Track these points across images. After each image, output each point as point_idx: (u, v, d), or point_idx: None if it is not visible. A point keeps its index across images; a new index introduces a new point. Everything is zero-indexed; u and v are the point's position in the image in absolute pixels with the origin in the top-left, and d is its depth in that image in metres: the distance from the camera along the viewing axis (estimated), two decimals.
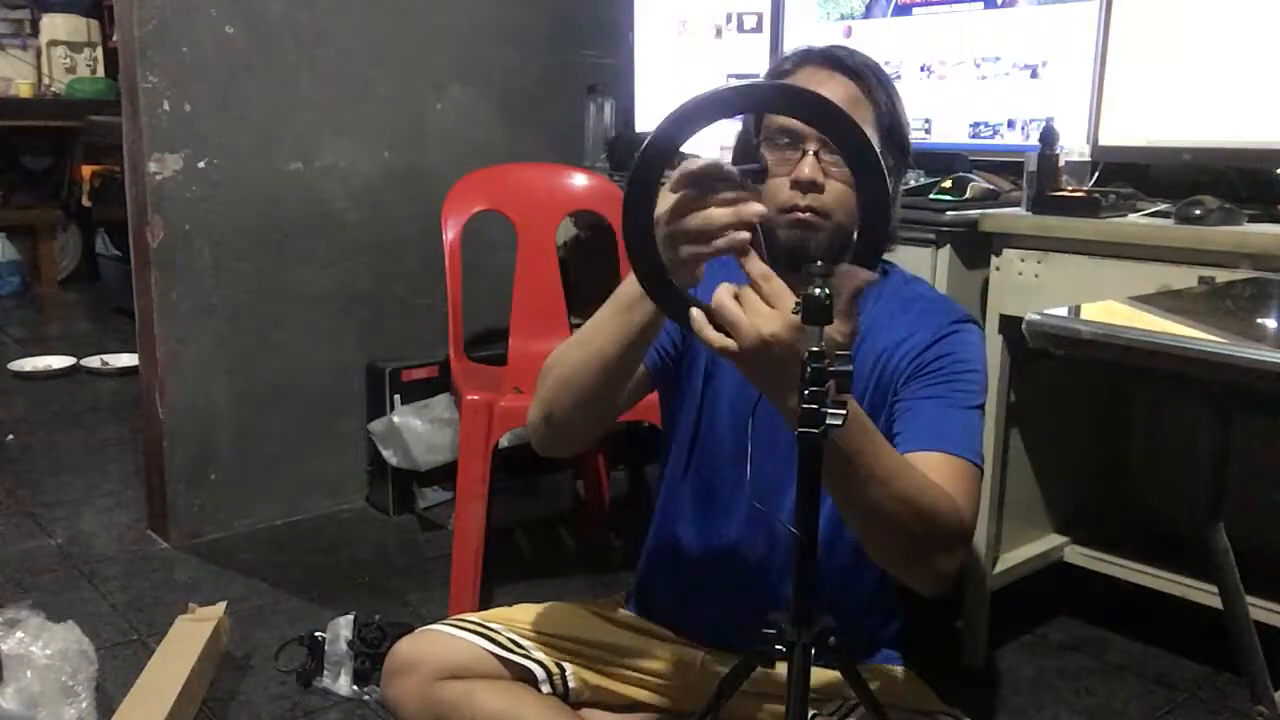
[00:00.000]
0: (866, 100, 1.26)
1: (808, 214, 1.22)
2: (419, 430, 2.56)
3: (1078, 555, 2.08)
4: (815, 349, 0.94)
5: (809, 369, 0.93)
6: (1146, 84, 1.85)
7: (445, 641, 1.37)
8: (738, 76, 2.52)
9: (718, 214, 1.01)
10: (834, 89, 1.22)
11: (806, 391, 0.93)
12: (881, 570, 1.38)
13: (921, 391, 1.25)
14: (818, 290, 0.93)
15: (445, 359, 2.41)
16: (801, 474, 0.97)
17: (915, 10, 2.19)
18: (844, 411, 0.94)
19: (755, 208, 1.02)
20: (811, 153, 1.22)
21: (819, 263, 0.94)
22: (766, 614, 1.06)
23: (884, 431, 1.25)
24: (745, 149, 1.31)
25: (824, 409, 0.93)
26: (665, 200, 1.03)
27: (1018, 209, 1.88)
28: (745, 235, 1.01)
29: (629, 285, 1.13)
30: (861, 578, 1.38)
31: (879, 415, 1.28)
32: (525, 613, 1.45)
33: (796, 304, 0.95)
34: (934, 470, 1.15)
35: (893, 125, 1.28)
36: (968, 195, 1.94)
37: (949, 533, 1.13)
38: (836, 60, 1.27)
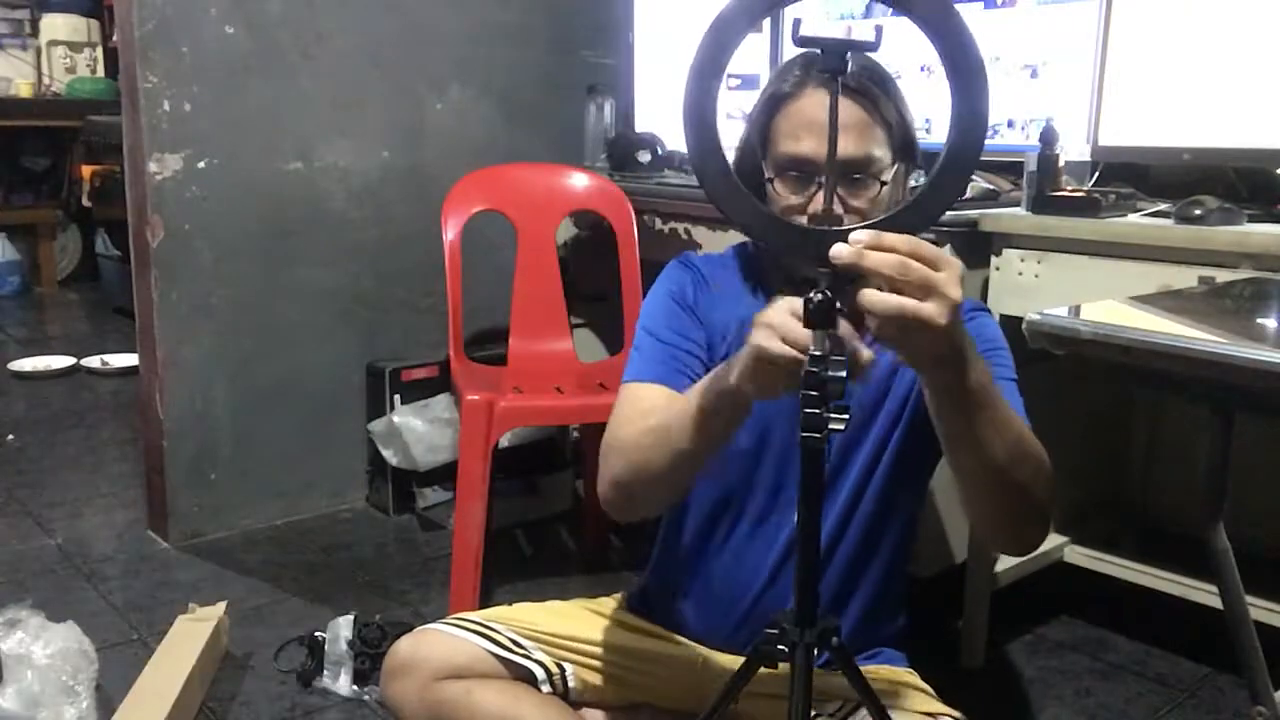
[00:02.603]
0: (877, 120, 1.22)
1: None
2: (419, 430, 2.56)
3: (1078, 555, 2.08)
4: (817, 354, 0.94)
5: (809, 373, 0.93)
6: (1146, 84, 1.85)
7: (445, 641, 1.37)
8: (737, 77, 2.51)
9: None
10: (842, 114, 1.17)
11: (806, 395, 0.93)
12: (884, 570, 1.38)
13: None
14: (820, 296, 0.93)
15: (445, 359, 2.41)
16: (805, 476, 0.98)
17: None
18: (847, 416, 0.94)
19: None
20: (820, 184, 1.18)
21: (821, 267, 0.94)
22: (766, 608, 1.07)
23: (917, 420, 1.27)
24: (749, 159, 1.27)
25: (827, 414, 0.93)
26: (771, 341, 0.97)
27: (1018, 209, 1.88)
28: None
29: (716, 388, 1.08)
30: (864, 578, 1.38)
31: (900, 416, 1.30)
32: (525, 612, 1.45)
33: None
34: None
35: (905, 137, 1.25)
36: (968, 195, 1.94)
37: (1049, 475, 1.17)
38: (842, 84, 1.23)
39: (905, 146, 1.25)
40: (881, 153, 1.22)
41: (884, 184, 1.22)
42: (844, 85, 1.16)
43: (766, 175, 1.24)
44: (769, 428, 1.32)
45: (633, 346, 1.36)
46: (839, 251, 0.91)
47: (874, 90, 1.22)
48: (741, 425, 1.13)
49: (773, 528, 1.34)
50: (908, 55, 2.21)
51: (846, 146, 1.16)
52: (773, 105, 1.25)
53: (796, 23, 0.95)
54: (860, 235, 0.92)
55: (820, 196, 1.17)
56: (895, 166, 1.23)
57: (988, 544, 1.86)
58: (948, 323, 0.92)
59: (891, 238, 0.92)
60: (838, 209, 1.17)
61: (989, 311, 1.38)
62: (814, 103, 1.21)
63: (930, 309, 0.91)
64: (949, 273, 0.93)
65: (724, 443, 1.15)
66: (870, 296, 0.92)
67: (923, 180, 2.03)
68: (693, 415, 1.12)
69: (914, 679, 1.38)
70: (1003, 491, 1.13)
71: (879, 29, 0.96)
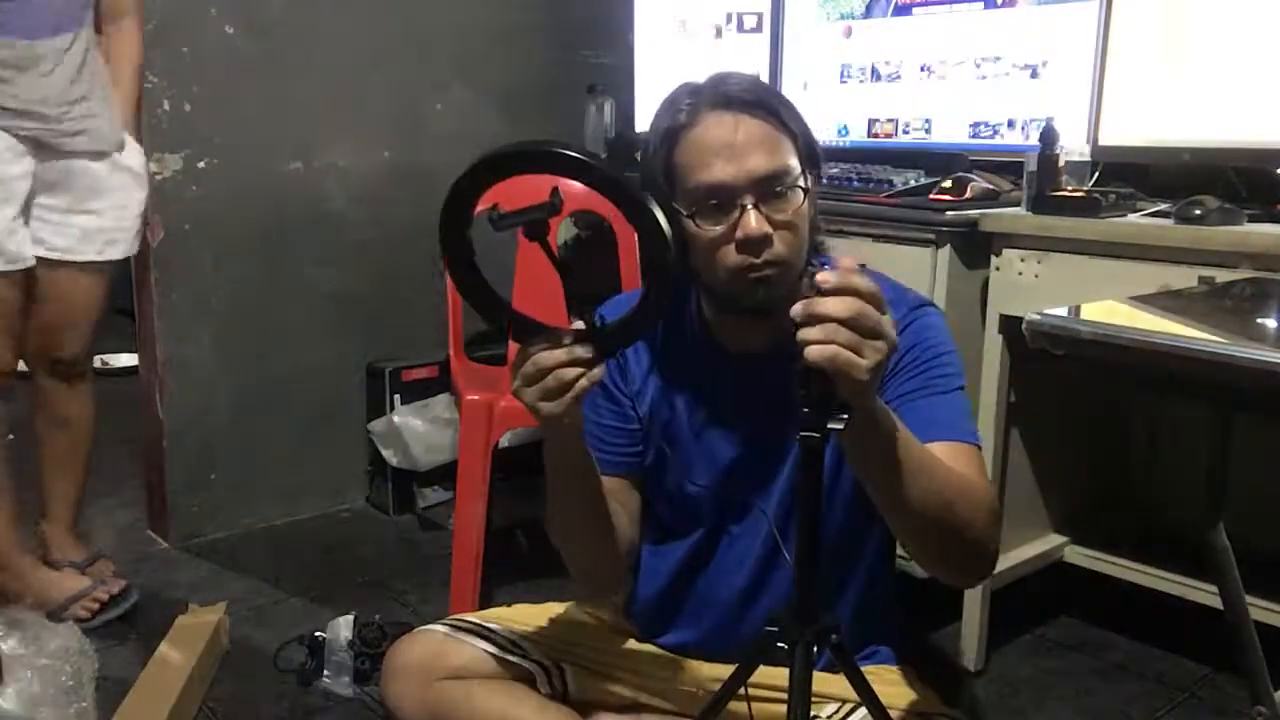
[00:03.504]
0: (783, 132, 1.19)
1: (765, 269, 1.17)
2: (419, 430, 2.56)
3: (1078, 555, 2.08)
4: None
5: (805, 373, 0.94)
6: (1146, 84, 1.85)
7: (444, 642, 1.37)
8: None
9: (566, 368, 1.04)
10: (746, 130, 1.17)
11: (805, 395, 0.94)
12: (881, 571, 1.38)
13: (902, 388, 1.21)
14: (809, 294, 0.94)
15: (445, 359, 2.41)
16: (803, 476, 0.98)
17: (915, 10, 2.19)
18: (846, 416, 0.95)
19: (581, 353, 1.04)
20: (750, 206, 1.15)
21: (809, 266, 0.95)
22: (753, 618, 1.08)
23: None
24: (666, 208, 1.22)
25: (826, 414, 0.94)
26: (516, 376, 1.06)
27: (1018, 209, 1.88)
28: (599, 371, 1.04)
29: (548, 449, 1.18)
30: (850, 578, 1.37)
31: None
32: (524, 613, 1.45)
33: None
34: (960, 457, 1.15)
35: (810, 147, 1.23)
36: (968, 195, 1.94)
37: (988, 509, 1.14)
38: (738, 101, 1.18)
39: (812, 158, 1.23)
40: (794, 161, 1.19)
41: (806, 190, 1.20)
42: (742, 103, 1.18)
43: (684, 213, 1.18)
44: (712, 440, 1.32)
45: None
46: (824, 278, 0.94)
47: (771, 103, 1.20)
48: (573, 450, 1.18)
49: (745, 541, 1.34)
50: (908, 55, 2.21)
51: (760, 162, 1.15)
52: (670, 140, 1.21)
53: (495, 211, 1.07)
54: (829, 279, 0.94)
55: (750, 215, 1.15)
56: (804, 175, 1.20)
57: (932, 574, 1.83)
58: (869, 379, 0.94)
59: (856, 281, 0.94)
60: (766, 228, 1.16)
61: (936, 307, 1.32)
62: (715, 126, 1.18)
63: (862, 364, 0.93)
64: (889, 319, 0.96)
65: (577, 474, 1.21)
66: (806, 337, 0.93)
67: (922, 180, 2.04)
68: (549, 468, 1.20)
69: (911, 678, 1.37)
70: (935, 534, 1.11)
71: (555, 190, 1.09)
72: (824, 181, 1.25)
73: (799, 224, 1.19)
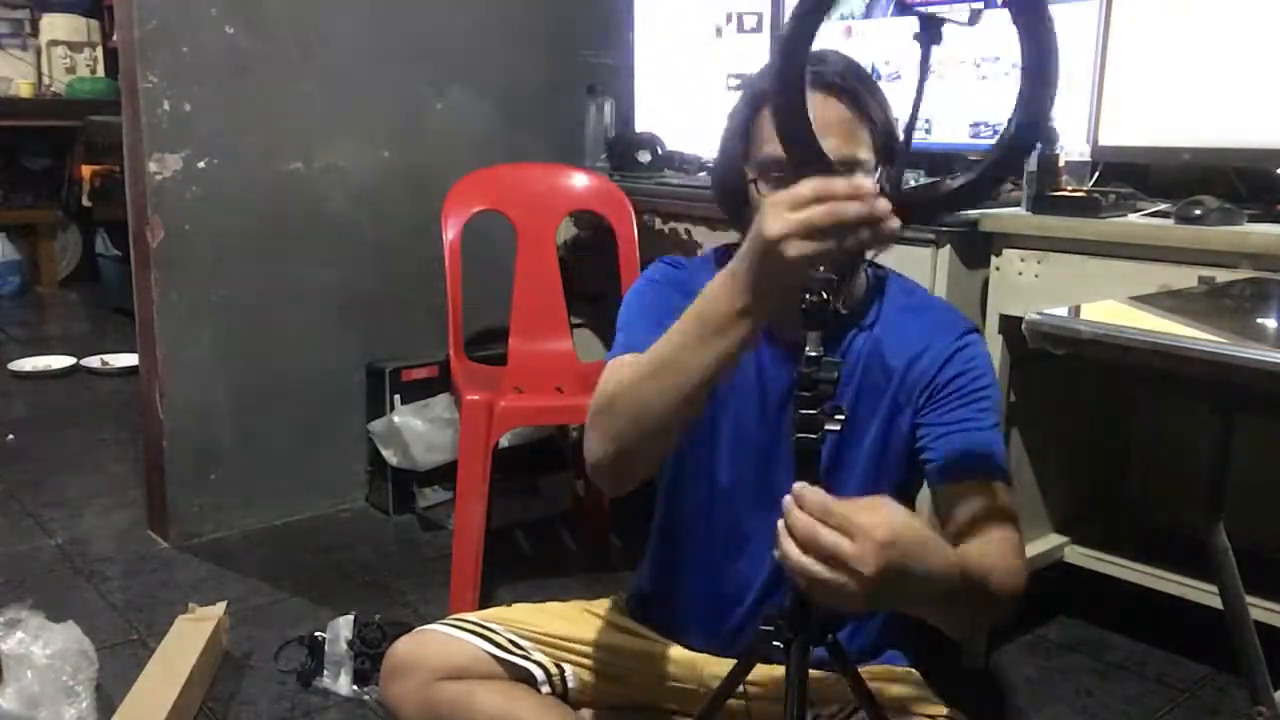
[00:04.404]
0: (863, 120, 1.19)
1: None
2: (419, 430, 2.56)
3: (1078, 555, 2.08)
4: (813, 354, 0.94)
5: (805, 374, 0.93)
6: (1146, 84, 1.85)
7: (444, 642, 1.36)
8: (736, 77, 2.51)
9: (852, 207, 0.91)
10: (829, 114, 1.16)
11: (802, 396, 0.94)
12: None
13: (949, 415, 1.23)
14: (815, 297, 0.93)
15: (445, 359, 2.41)
16: (799, 477, 0.97)
17: (916, 10, 2.18)
18: (843, 418, 0.95)
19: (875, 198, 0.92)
20: None
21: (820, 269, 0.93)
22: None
23: (901, 439, 1.27)
24: (729, 177, 1.25)
25: (822, 415, 0.94)
26: (792, 217, 0.91)
27: (1018, 209, 1.88)
28: (894, 225, 0.92)
29: (717, 303, 1.00)
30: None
31: (898, 418, 1.27)
32: (524, 613, 1.44)
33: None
34: (979, 501, 1.16)
35: (889, 136, 1.23)
36: None
37: (1009, 598, 1.14)
38: (822, 78, 1.17)
39: (887, 148, 1.22)
40: (866, 154, 1.19)
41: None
42: (830, 85, 1.17)
43: (749, 176, 1.22)
44: (745, 432, 1.31)
45: (617, 331, 1.33)
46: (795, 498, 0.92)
47: (860, 90, 1.20)
48: (748, 346, 1.02)
49: (763, 532, 1.34)
50: (907, 55, 2.21)
51: (834, 146, 1.13)
52: (755, 105, 1.22)
53: None
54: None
55: None
56: (879, 170, 1.20)
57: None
58: (859, 591, 0.89)
59: (811, 497, 0.91)
60: None
61: (980, 334, 1.31)
62: None
63: (837, 580, 0.89)
64: (860, 547, 0.89)
65: (740, 354, 1.03)
66: (785, 548, 0.91)
67: (922, 180, 2.04)
68: (694, 328, 1.03)
69: (915, 678, 1.37)
70: (958, 621, 1.16)
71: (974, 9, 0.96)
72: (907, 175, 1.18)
73: None
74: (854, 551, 0.89)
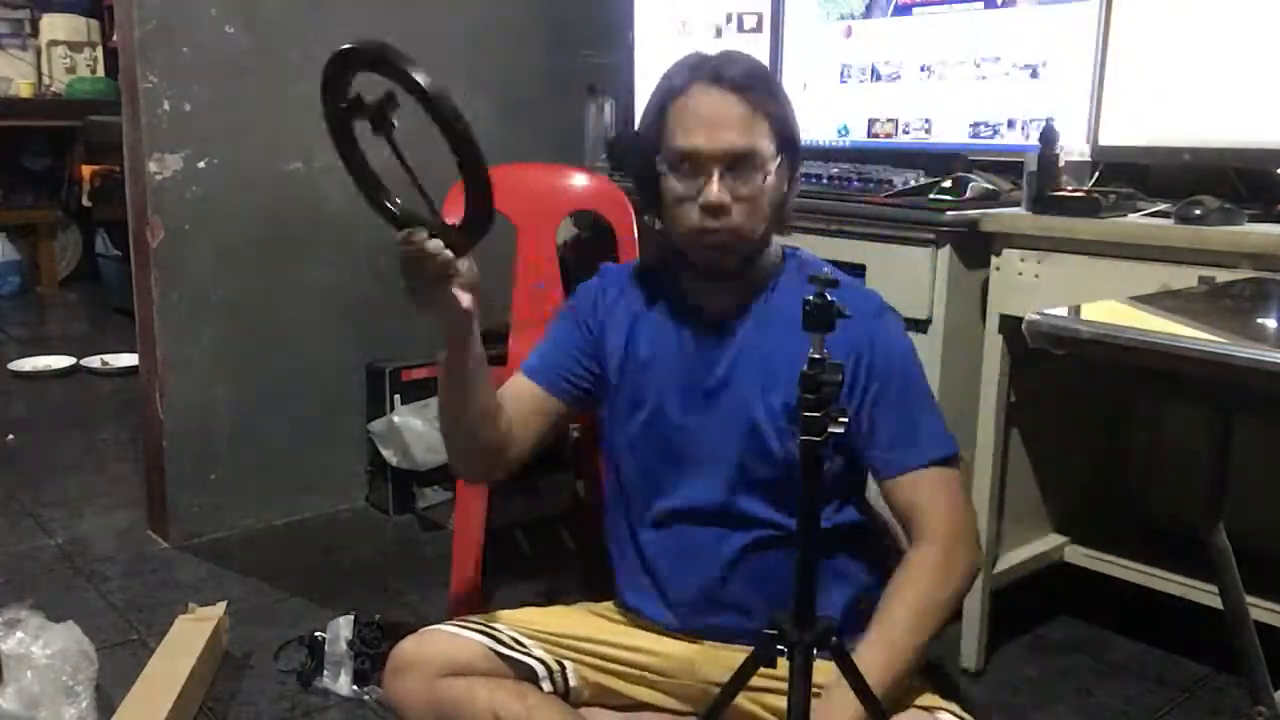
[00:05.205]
0: (758, 114, 1.27)
1: (719, 234, 1.28)
2: (419, 430, 2.56)
3: (1078, 555, 2.08)
4: (816, 356, 0.94)
5: (808, 376, 0.94)
6: (1146, 84, 1.85)
7: (448, 640, 1.37)
8: None
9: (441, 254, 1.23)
10: (725, 108, 1.26)
11: (806, 399, 0.94)
12: (880, 571, 1.38)
13: (883, 404, 1.31)
14: (817, 299, 0.93)
15: None
16: (803, 480, 0.98)
17: (915, 10, 2.19)
18: (847, 420, 0.97)
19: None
20: (716, 176, 1.26)
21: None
22: (723, 598, 1.26)
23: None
24: (643, 152, 1.33)
25: (827, 418, 0.94)
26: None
27: (1018, 209, 1.88)
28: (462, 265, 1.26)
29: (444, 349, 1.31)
30: (859, 577, 1.38)
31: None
32: (527, 614, 1.46)
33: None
34: (926, 488, 1.29)
35: (787, 132, 1.31)
36: (968, 195, 1.94)
37: (970, 578, 1.32)
38: (723, 78, 1.28)
39: (789, 142, 1.31)
40: (765, 145, 1.28)
41: (768, 175, 1.28)
42: (729, 81, 1.28)
43: (659, 169, 1.31)
44: (658, 407, 1.38)
45: None
46: None
47: (757, 86, 1.29)
48: (464, 349, 1.35)
49: (692, 506, 1.38)
50: (908, 55, 2.21)
51: (732, 139, 1.26)
52: (664, 101, 1.31)
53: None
54: None
55: (714, 184, 1.25)
56: (778, 159, 1.29)
57: None
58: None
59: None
60: (726, 198, 1.25)
61: (895, 312, 1.39)
62: (702, 98, 1.28)
63: None
64: None
65: (459, 366, 1.35)
66: None
67: (922, 180, 2.04)
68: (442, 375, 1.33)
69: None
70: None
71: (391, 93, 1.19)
72: (805, 177, 1.36)
73: (759, 200, 1.28)
74: None
